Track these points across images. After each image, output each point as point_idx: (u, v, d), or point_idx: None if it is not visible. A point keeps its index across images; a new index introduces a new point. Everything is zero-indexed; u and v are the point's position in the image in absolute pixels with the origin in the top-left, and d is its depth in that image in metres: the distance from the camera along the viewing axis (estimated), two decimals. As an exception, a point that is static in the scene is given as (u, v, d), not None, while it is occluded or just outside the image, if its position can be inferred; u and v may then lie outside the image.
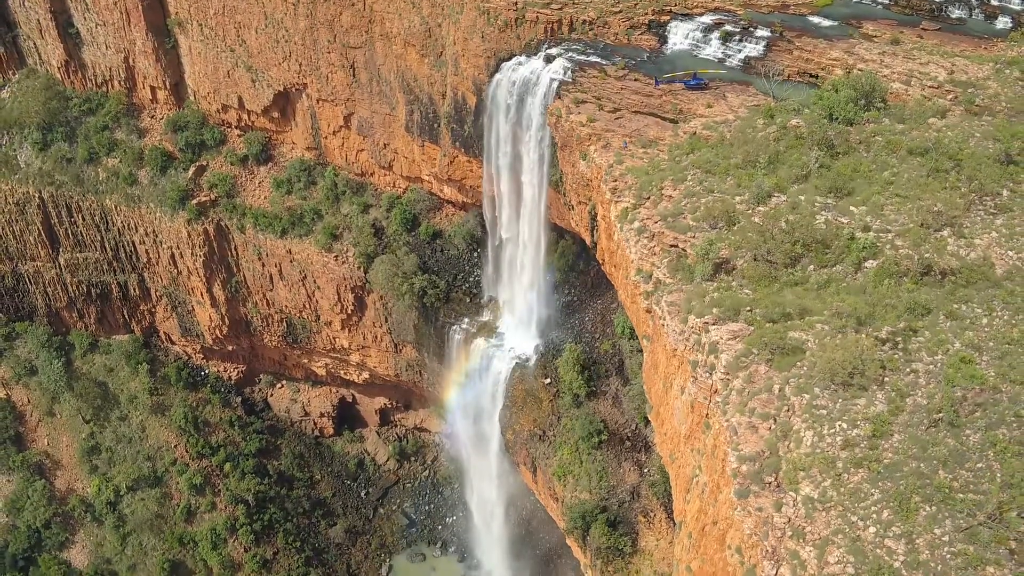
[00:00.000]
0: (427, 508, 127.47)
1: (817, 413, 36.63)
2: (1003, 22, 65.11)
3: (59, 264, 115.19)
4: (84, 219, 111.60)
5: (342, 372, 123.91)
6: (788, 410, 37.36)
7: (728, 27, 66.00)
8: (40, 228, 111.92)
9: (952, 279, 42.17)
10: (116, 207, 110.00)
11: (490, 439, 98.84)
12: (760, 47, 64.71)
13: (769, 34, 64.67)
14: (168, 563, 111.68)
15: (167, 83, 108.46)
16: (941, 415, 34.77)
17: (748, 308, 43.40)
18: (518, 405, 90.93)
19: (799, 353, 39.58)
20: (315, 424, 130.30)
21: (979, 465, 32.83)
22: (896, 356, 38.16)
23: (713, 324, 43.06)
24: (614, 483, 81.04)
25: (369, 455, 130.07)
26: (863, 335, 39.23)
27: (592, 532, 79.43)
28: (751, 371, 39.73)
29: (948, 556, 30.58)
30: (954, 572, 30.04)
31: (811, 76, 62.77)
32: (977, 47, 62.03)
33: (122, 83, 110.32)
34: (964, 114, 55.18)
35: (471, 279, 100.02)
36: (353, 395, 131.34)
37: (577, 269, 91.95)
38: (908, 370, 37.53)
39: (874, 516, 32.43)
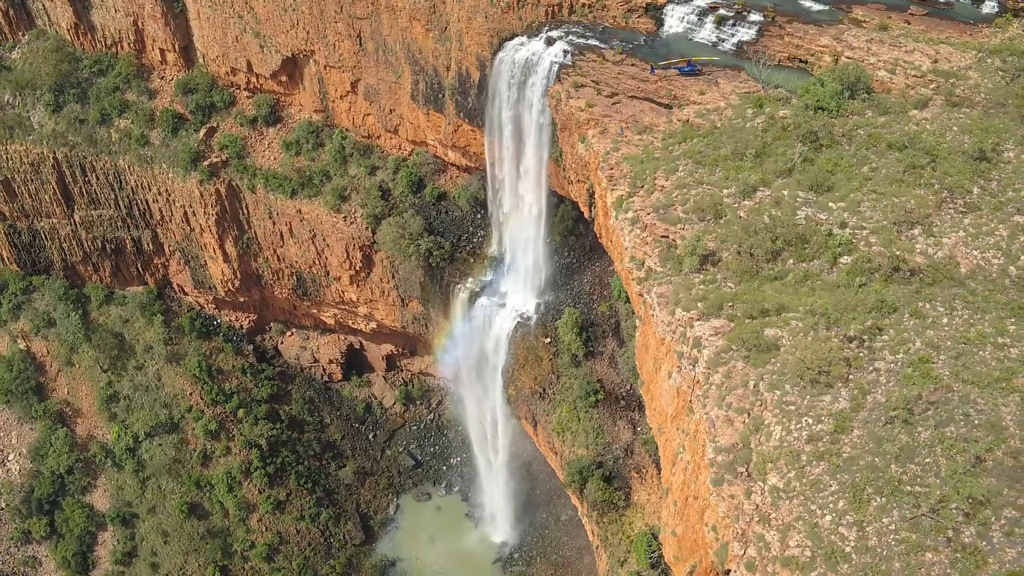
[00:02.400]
0: (432, 449, 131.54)
1: (786, 409, 40.41)
2: (989, 6, 66.48)
3: (74, 221, 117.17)
4: (98, 178, 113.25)
5: (350, 322, 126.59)
6: (761, 405, 41.13)
7: (722, 11, 67.61)
8: (55, 187, 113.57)
9: (919, 277, 45.35)
10: (129, 167, 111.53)
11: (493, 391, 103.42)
12: (753, 31, 66.52)
13: (761, 19, 66.40)
14: (186, 505, 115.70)
15: (176, 46, 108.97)
16: (897, 413, 38.49)
17: (730, 304, 46.72)
18: (520, 362, 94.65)
19: (774, 351, 43.10)
20: (324, 370, 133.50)
21: (927, 460, 36.66)
22: (861, 355, 41.70)
23: (698, 320, 46.46)
24: (609, 440, 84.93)
25: (376, 399, 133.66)
26: (832, 334, 42.73)
27: (589, 486, 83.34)
28: (730, 367, 43.33)
29: (893, 543, 34.65)
30: (897, 557, 34.19)
31: (801, 62, 64.80)
32: (963, 33, 63.48)
33: (131, 45, 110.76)
34: (944, 105, 57.27)
35: (475, 240, 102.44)
36: (360, 342, 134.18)
37: (576, 233, 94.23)
38: (871, 368, 41.16)
39: (831, 506, 36.51)
